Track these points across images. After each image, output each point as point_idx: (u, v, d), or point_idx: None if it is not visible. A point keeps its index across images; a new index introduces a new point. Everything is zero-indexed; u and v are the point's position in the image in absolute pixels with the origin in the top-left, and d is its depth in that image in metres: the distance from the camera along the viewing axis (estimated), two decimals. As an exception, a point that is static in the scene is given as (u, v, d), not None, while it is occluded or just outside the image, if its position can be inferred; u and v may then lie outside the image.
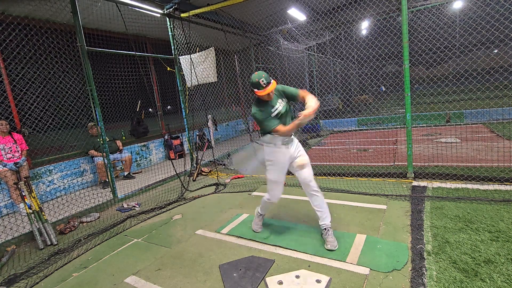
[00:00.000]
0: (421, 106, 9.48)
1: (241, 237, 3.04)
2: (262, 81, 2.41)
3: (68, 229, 3.80)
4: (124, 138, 6.93)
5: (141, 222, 3.85)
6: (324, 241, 2.67)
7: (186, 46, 5.92)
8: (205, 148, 6.78)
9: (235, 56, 10.42)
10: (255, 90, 2.46)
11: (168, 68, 6.16)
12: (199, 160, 6.11)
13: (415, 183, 3.97)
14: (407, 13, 3.76)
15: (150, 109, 7.87)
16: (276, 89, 2.64)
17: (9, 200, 4.59)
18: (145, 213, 4.14)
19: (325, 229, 2.70)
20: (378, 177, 4.39)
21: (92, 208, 4.43)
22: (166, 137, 7.62)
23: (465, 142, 5.79)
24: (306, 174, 2.67)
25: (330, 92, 12.56)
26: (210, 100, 7.14)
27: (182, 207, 4.25)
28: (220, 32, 6.90)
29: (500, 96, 9.77)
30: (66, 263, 2.97)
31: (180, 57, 6.02)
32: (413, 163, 4.25)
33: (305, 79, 10.16)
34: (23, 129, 4.87)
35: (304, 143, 7.69)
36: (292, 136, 2.71)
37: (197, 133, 6.65)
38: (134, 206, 4.44)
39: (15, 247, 3.44)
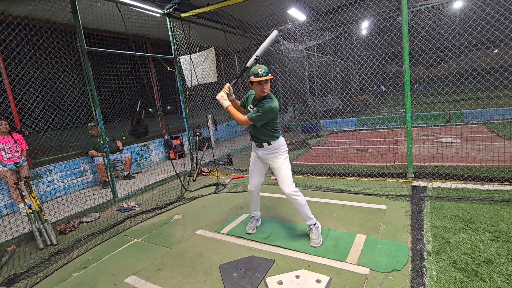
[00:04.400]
0: (421, 106, 9.45)
1: (241, 237, 3.04)
2: (261, 70, 2.56)
3: (68, 229, 3.80)
4: (124, 138, 6.93)
5: (141, 222, 3.85)
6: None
7: (186, 46, 5.91)
8: (205, 148, 6.78)
9: (235, 56, 10.43)
10: (251, 77, 2.60)
11: (168, 68, 6.15)
12: (199, 160, 6.12)
13: (415, 183, 3.97)
14: (407, 13, 3.77)
15: (150, 109, 7.87)
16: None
17: (9, 200, 4.59)
18: (145, 213, 4.15)
19: (309, 227, 2.79)
20: (378, 177, 4.39)
21: (92, 208, 4.43)
22: (166, 137, 7.62)
23: (465, 142, 5.79)
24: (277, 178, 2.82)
25: (330, 92, 12.56)
26: (210, 100, 7.14)
27: (182, 207, 4.25)
28: (220, 32, 6.90)
29: (500, 96, 9.76)
30: (66, 263, 2.97)
31: (180, 57, 6.02)
32: (413, 163, 4.26)
33: (305, 79, 10.16)
34: (23, 129, 4.87)
35: (304, 143, 7.70)
36: (265, 145, 2.78)
37: (196, 134, 6.63)
38: (134, 206, 4.44)
39: (15, 247, 3.44)
